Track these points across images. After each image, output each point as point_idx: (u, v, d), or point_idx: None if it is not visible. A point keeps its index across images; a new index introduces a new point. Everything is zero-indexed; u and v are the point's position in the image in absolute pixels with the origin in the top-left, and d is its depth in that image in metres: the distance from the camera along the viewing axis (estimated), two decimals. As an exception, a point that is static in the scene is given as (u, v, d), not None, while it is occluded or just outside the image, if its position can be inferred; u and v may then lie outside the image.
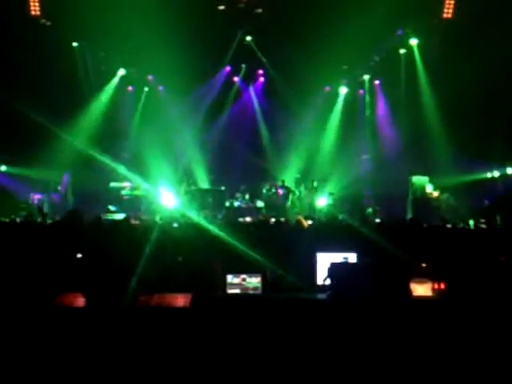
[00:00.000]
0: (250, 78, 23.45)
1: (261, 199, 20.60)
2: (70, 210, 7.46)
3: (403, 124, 21.00)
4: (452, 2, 17.83)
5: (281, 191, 20.37)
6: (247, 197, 20.49)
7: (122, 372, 5.14)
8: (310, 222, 13.01)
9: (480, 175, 19.56)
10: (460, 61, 17.51)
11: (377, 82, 22.96)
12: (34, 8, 17.73)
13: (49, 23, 18.20)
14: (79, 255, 7.21)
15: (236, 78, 23.39)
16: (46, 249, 6.33)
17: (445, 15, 18.01)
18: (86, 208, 16.06)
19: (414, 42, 20.30)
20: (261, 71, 23.10)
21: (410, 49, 20.68)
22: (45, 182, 19.02)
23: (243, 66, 22.85)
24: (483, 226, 13.15)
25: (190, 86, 20.74)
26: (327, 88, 22.98)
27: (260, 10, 18.99)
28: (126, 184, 20.12)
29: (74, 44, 20.06)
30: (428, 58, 19.78)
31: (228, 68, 22.86)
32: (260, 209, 20.01)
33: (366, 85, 23.21)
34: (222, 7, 18.64)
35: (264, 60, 21.73)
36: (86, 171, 18.97)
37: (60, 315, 5.75)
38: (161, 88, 22.63)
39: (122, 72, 21.83)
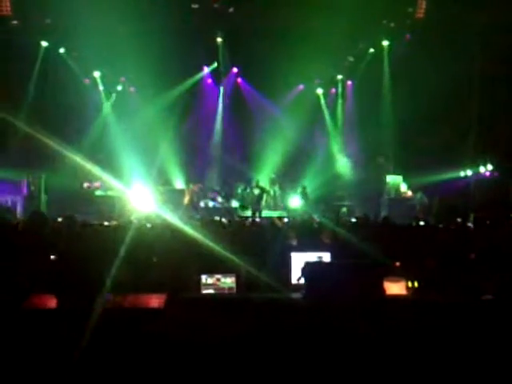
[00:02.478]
0: (223, 78, 23.36)
1: (236, 199, 20.58)
2: (33, 212, 7.37)
3: (374, 124, 21.14)
4: (424, 3, 18.00)
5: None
6: (222, 196, 20.48)
7: (95, 373, 5.09)
8: (285, 220, 13.08)
9: (453, 174, 19.72)
10: (430, 62, 17.73)
11: (349, 82, 23.08)
12: (6, 8, 17.54)
13: (15, 22, 18.05)
14: (52, 257, 7.14)
15: (209, 80, 23.36)
16: (16, 250, 6.26)
17: (417, 15, 18.17)
18: (59, 208, 15.98)
19: (385, 42, 20.50)
20: (235, 70, 23.08)
21: (380, 49, 20.92)
22: (17, 182, 18.78)
23: (217, 65, 22.76)
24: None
25: (164, 86, 20.67)
26: (300, 87, 23.03)
27: (232, 10, 18.98)
28: (98, 184, 19.97)
29: (44, 44, 19.97)
30: (399, 58, 19.95)
31: (203, 68, 22.85)
32: (235, 209, 19.99)
33: (339, 84, 23.29)
34: (195, 6, 18.61)
35: (237, 59, 21.77)
36: (59, 171, 18.83)
37: (31, 317, 5.69)
38: (132, 89, 22.58)
39: (97, 74, 21.88)
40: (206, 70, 22.99)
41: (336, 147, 22.75)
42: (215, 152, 22.47)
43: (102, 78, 22.14)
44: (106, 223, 14.23)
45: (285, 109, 22.21)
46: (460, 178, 20.07)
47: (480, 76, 18.60)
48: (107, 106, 22.07)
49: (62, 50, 20.46)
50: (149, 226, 11.73)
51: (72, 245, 7.76)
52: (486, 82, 18.57)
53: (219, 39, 21.07)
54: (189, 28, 18.94)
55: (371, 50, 21.16)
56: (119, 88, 22.67)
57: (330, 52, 18.95)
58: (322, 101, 23.63)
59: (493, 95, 18.49)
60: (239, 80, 23.32)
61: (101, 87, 22.27)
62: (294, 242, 8.61)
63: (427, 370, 5.22)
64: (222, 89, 23.49)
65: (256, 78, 21.96)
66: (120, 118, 21.71)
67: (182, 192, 20.75)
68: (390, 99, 20.84)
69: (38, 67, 20.01)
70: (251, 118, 22.67)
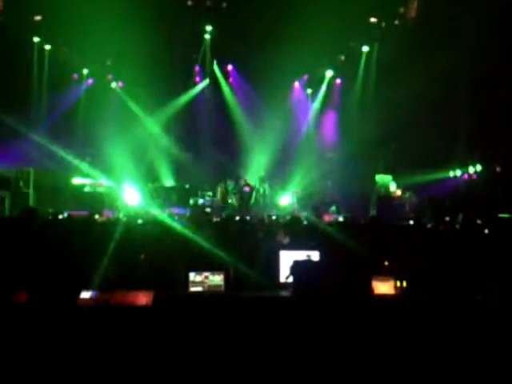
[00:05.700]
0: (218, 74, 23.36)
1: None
2: (25, 208, 7.31)
3: (365, 124, 21.22)
4: (415, 2, 18.05)
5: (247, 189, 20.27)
6: (210, 194, 20.45)
7: (79, 371, 5.06)
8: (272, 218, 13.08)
9: (442, 173, 19.77)
10: (420, 62, 17.77)
11: (338, 81, 23.10)
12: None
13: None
14: (39, 253, 7.08)
15: (197, 79, 23.36)
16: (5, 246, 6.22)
17: (409, 15, 18.22)
18: (47, 204, 15.91)
19: (375, 42, 20.67)
20: (230, 67, 23.07)
21: (370, 49, 21.05)
22: (5, 178, 18.66)
23: (210, 61, 22.79)
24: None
25: (153, 83, 20.58)
26: (295, 84, 23.09)
27: (225, 5, 19.01)
28: (88, 181, 19.92)
29: (36, 39, 19.92)
30: (389, 58, 20.00)
31: (194, 65, 22.87)
32: (224, 207, 19.94)
33: (326, 81, 23.32)
34: (190, 3, 18.64)
35: (229, 56, 21.80)
36: (47, 167, 18.75)
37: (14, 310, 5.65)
38: (120, 84, 22.53)
39: (85, 71, 21.95)
40: (200, 66, 22.97)
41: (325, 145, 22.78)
42: (204, 149, 22.39)
43: (91, 73, 22.09)
44: (96, 216, 14.22)
45: (275, 106, 22.14)
46: (449, 178, 20.12)
47: (471, 76, 18.63)
48: (96, 102, 21.93)
49: (48, 47, 20.39)
50: (138, 222, 11.70)
51: (59, 240, 7.70)
52: (476, 82, 18.62)
53: (207, 37, 21.22)
54: (180, 24, 18.92)
55: (363, 49, 21.19)
56: (113, 84, 22.62)
57: (321, 49, 19.00)
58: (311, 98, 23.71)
59: (483, 96, 18.54)
60: (231, 78, 23.27)
61: (89, 83, 22.20)
62: (283, 240, 8.60)
63: (415, 367, 5.23)
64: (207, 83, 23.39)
65: (249, 75, 22.00)
66: (108, 114, 21.61)
67: (171, 189, 20.75)
68: (377, 98, 20.89)
69: (29, 63, 19.96)
70: (242, 115, 22.65)
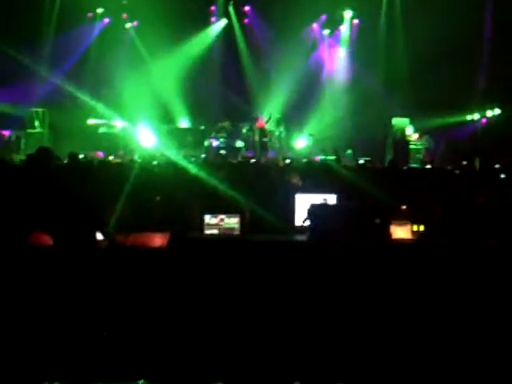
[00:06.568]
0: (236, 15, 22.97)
1: (240, 139, 20.41)
2: (41, 148, 7.25)
3: (382, 66, 20.91)
4: None
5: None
6: (227, 136, 20.28)
7: (97, 312, 5.09)
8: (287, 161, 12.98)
9: (460, 117, 19.54)
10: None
11: (356, 21, 22.65)
12: None
13: None
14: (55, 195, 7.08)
15: (213, 19, 23.02)
16: (16, 188, 6.19)
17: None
18: (62, 145, 15.90)
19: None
20: (247, 8, 22.71)
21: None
22: (21, 117, 18.65)
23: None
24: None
25: (170, 22, 20.23)
26: (314, 25, 22.74)
27: None
28: (103, 121, 19.86)
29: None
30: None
31: (212, 6, 22.56)
32: (239, 149, 19.84)
33: (347, 21, 22.86)
34: None
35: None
36: (62, 107, 18.72)
37: (34, 254, 5.67)
38: (136, 23, 22.23)
39: (100, 10, 21.62)
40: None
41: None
42: (217, 90, 22.14)
43: (105, 13, 21.80)
44: (110, 158, 14.17)
45: (292, 47, 21.78)
46: (467, 122, 19.90)
47: (492, 18, 18.23)
48: (110, 42, 21.67)
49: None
50: (154, 163, 11.68)
51: (76, 182, 7.69)
52: (497, 24, 18.23)
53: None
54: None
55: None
56: (128, 25, 22.33)
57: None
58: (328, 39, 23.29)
59: (503, 39, 18.16)
60: (248, 19, 22.89)
61: (104, 22, 21.94)
62: (299, 183, 8.53)
63: (429, 312, 5.22)
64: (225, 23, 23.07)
65: (266, 16, 21.67)
66: (123, 54, 21.40)
67: (186, 131, 20.67)
68: (396, 38, 20.58)
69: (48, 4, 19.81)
70: (259, 57, 22.37)
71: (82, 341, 4.84)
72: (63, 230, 5.60)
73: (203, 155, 17.53)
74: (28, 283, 5.33)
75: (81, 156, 13.37)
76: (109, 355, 4.68)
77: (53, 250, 5.65)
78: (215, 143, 19.95)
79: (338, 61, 23.19)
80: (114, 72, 20.53)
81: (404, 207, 7.25)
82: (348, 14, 22.58)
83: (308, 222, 6.39)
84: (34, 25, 19.20)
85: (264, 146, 19.46)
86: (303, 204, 6.85)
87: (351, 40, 22.83)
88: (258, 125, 19.72)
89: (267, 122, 19.85)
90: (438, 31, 17.28)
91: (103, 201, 6.40)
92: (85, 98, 19.06)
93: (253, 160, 13.55)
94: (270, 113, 20.42)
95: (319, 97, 22.04)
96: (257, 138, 19.69)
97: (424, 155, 18.38)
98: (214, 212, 6.91)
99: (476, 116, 19.89)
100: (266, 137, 19.59)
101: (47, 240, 5.81)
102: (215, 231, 6.88)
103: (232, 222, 6.90)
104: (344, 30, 22.98)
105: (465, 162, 14.24)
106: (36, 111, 18.68)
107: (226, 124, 20.45)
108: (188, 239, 6.51)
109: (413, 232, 6.75)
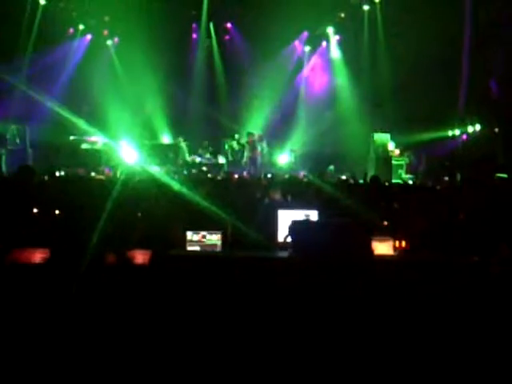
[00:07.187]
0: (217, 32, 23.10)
1: (222, 155, 20.44)
2: (22, 166, 7.24)
3: (364, 82, 21.08)
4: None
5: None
6: (209, 152, 20.32)
7: (78, 331, 5.04)
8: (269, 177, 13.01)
9: (441, 133, 19.67)
10: (421, 20, 17.57)
11: (337, 37, 22.82)
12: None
13: None
14: (35, 210, 7.04)
15: (194, 36, 23.12)
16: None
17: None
18: (44, 162, 15.82)
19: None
20: (229, 25, 22.85)
21: (373, 6, 20.74)
22: (1, 135, 18.50)
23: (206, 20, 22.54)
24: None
25: (149, 39, 20.25)
26: (295, 42, 22.88)
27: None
28: (85, 138, 19.79)
29: None
30: (390, 16, 19.80)
31: (192, 23, 22.66)
32: (222, 165, 19.87)
33: (330, 37, 23.03)
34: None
35: (228, 13, 21.63)
36: (45, 124, 18.63)
37: (14, 272, 5.62)
38: (116, 40, 22.30)
39: (81, 26, 21.70)
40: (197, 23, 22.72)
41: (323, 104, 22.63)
42: (200, 107, 22.19)
43: (87, 29, 21.82)
44: (92, 174, 14.10)
45: (274, 64, 21.91)
46: (448, 138, 20.03)
47: (471, 35, 18.41)
48: (92, 58, 21.65)
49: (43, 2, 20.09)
50: (136, 180, 11.63)
51: (57, 199, 7.65)
52: (477, 41, 18.41)
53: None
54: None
55: (365, 8, 20.95)
56: (109, 42, 22.36)
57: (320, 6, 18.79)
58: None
59: (484, 55, 18.34)
60: (230, 36, 23.01)
61: (87, 38, 21.93)
62: (281, 200, 8.54)
63: (414, 327, 5.22)
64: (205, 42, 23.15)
65: (247, 33, 21.80)
66: (104, 70, 21.40)
67: (168, 147, 20.65)
68: (377, 55, 20.80)
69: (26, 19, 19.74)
70: (240, 74, 22.45)
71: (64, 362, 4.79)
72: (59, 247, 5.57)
73: (185, 172, 17.53)
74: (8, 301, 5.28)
75: (62, 173, 13.33)
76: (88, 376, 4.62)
77: (32, 267, 5.61)
78: (198, 159, 19.96)
79: (319, 77, 23.34)
80: (95, 88, 20.52)
81: (386, 223, 7.28)
82: (330, 30, 22.77)
83: (289, 239, 6.39)
84: (13, 39, 19.05)
85: (254, 161, 19.53)
86: (285, 220, 6.85)
87: (333, 56, 23.02)
88: (249, 141, 19.80)
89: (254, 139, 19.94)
90: (419, 48, 17.47)
91: (84, 218, 6.35)
92: (66, 114, 18.97)
93: (235, 176, 13.56)
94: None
95: (301, 113, 22.21)
96: (249, 153, 19.76)
97: (405, 171, 18.48)
98: (195, 229, 6.90)
99: (457, 132, 20.03)
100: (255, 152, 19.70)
101: (28, 257, 5.77)
102: (197, 248, 6.87)
103: (214, 238, 6.90)
104: (326, 46, 23.18)
105: (446, 178, 14.33)
106: (17, 128, 18.56)
107: (205, 144, 20.55)
108: (170, 256, 6.48)
109: (394, 248, 6.77)
